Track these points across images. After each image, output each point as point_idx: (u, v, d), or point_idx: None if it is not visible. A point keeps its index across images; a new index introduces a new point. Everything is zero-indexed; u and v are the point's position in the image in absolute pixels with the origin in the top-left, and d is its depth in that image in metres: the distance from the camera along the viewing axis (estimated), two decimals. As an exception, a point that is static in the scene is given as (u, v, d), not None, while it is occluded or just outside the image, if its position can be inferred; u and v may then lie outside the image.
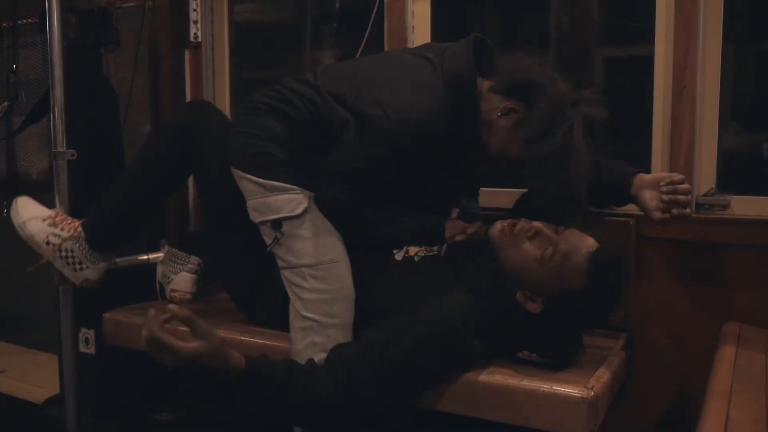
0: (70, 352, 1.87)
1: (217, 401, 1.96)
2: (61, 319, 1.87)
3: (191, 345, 1.16)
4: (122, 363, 2.05)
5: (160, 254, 2.01)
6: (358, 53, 2.06)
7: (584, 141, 1.42)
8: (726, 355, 1.37)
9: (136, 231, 1.83)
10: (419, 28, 2.06)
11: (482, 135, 1.48)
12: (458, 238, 1.55)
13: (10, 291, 2.80)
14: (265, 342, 1.60)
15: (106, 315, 1.88)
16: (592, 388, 1.27)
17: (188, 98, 2.44)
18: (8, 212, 1.80)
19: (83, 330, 2.05)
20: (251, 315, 1.72)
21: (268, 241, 1.51)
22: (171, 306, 1.16)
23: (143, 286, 1.98)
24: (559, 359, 1.39)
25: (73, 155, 1.82)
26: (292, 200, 1.48)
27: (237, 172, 1.53)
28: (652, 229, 1.69)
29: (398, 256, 1.57)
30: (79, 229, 1.76)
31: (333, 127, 1.50)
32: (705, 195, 1.71)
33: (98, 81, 2.18)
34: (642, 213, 1.56)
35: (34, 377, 2.42)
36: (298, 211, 1.47)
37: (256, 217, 1.52)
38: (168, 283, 1.93)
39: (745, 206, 1.68)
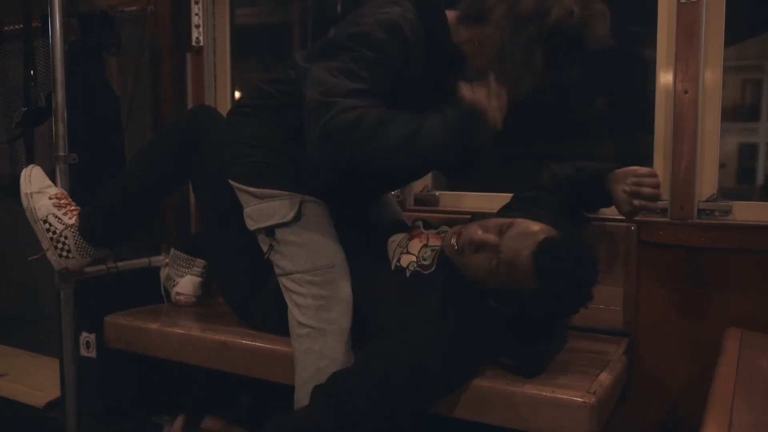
0: (71, 356, 1.87)
1: (216, 405, 1.96)
2: (62, 322, 1.87)
3: None
4: (123, 367, 2.05)
5: (161, 257, 2.01)
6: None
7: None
8: (728, 360, 1.37)
9: (130, 231, 1.83)
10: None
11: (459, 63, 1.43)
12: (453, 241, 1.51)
13: (11, 294, 2.81)
14: (265, 345, 1.60)
15: (107, 319, 1.88)
16: (593, 393, 1.27)
17: (189, 101, 2.45)
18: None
19: (84, 333, 2.05)
20: (248, 318, 1.72)
21: (264, 248, 1.52)
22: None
23: (144, 290, 1.99)
24: (533, 364, 1.38)
25: (74, 159, 1.82)
26: (283, 206, 1.48)
27: (232, 183, 1.54)
28: (654, 235, 1.70)
29: (392, 265, 1.56)
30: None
31: None
32: (707, 200, 1.71)
33: (100, 84, 2.19)
34: (643, 217, 1.56)
35: (35, 380, 2.42)
36: (289, 217, 1.47)
37: (251, 225, 1.52)
38: (173, 286, 1.93)
39: (746, 212, 1.68)
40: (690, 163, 1.70)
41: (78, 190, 1.88)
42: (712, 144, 1.71)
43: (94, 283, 1.97)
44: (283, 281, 1.50)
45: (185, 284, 1.93)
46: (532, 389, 1.30)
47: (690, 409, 1.66)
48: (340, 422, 1.26)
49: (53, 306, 1.96)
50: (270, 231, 1.49)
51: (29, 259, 1.81)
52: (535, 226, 1.30)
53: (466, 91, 1.30)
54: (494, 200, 1.88)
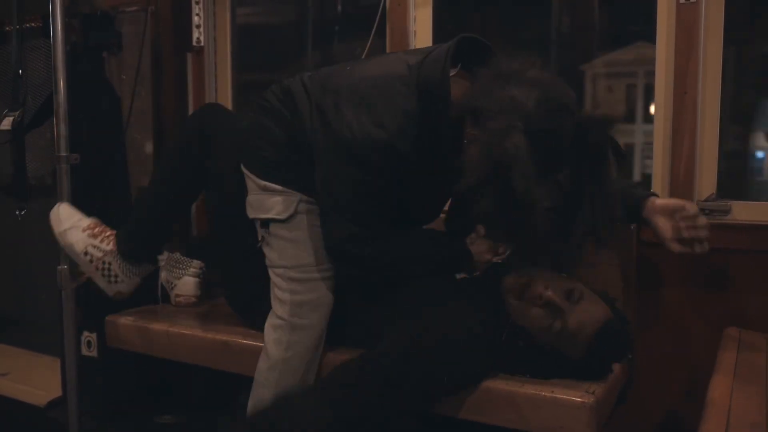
0: (73, 355, 1.88)
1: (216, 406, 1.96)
2: (63, 322, 1.87)
3: None
4: (124, 366, 2.06)
5: (164, 256, 2.01)
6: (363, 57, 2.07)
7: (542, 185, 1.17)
8: (727, 359, 1.38)
9: (164, 239, 1.87)
10: (421, 33, 2.06)
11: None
12: (488, 257, 1.53)
13: (12, 294, 2.81)
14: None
15: (109, 318, 1.89)
16: (593, 393, 1.28)
17: (190, 102, 2.46)
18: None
19: (85, 333, 2.06)
20: (251, 320, 1.72)
21: (258, 237, 1.56)
22: None
23: (146, 290, 1.98)
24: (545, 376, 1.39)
25: (76, 159, 1.83)
26: (283, 202, 1.50)
27: (243, 168, 1.57)
28: (654, 234, 1.70)
29: None
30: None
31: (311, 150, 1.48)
32: (706, 200, 1.71)
33: (101, 85, 2.19)
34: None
35: (37, 380, 2.42)
36: (285, 215, 1.50)
37: (250, 212, 1.56)
38: (172, 288, 1.94)
39: (746, 211, 1.69)
40: (689, 162, 1.71)
41: (80, 190, 1.88)
42: (711, 144, 1.72)
43: (95, 283, 1.98)
44: (270, 273, 1.55)
45: (184, 285, 1.94)
46: (532, 389, 1.30)
47: (689, 409, 1.66)
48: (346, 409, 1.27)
49: (54, 305, 1.96)
50: (265, 223, 1.53)
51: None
52: (600, 305, 1.38)
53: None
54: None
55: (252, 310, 1.71)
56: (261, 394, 1.51)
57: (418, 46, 2.04)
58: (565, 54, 2.46)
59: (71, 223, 1.78)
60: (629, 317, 1.67)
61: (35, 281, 2.66)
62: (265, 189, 1.52)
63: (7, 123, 2.09)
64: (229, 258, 1.72)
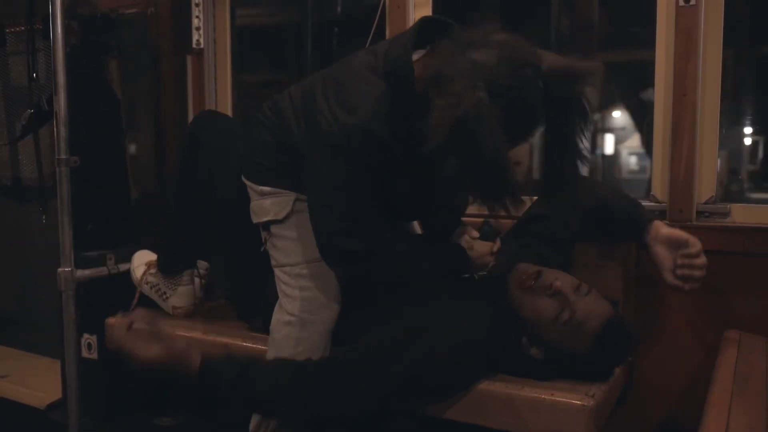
0: (73, 358, 1.87)
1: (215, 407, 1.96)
2: (63, 324, 1.87)
3: (149, 353, 1.25)
4: (124, 368, 2.05)
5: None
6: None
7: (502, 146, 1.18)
8: (726, 362, 1.38)
9: (191, 246, 1.88)
10: (421, 35, 2.06)
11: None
12: (489, 259, 1.54)
13: (13, 296, 2.81)
14: (267, 348, 1.60)
15: (109, 321, 1.89)
16: (592, 396, 1.28)
17: (190, 104, 2.46)
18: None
19: (86, 335, 2.06)
20: (250, 320, 1.75)
21: (263, 240, 1.59)
22: (135, 313, 1.21)
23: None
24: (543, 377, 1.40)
25: (76, 162, 1.82)
26: (279, 203, 1.55)
27: (243, 180, 1.61)
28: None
29: None
30: None
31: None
32: (705, 203, 1.72)
33: (101, 87, 2.19)
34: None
35: (37, 382, 2.42)
36: (282, 215, 1.54)
37: (254, 218, 1.60)
38: (166, 298, 1.91)
39: (745, 214, 1.69)
40: (689, 165, 1.71)
41: (79, 193, 1.88)
42: (711, 147, 1.72)
43: (96, 285, 1.98)
44: (277, 273, 1.57)
45: (180, 297, 1.90)
46: (531, 392, 1.31)
47: (688, 412, 1.66)
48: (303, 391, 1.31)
49: (55, 308, 1.97)
50: (266, 226, 1.57)
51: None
52: (606, 302, 1.40)
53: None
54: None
55: (251, 310, 1.73)
56: None
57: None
58: (565, 53, 2.46)
59: (139, 263, 1.94)
60: (629, 318, 1.67)
61: (35, 283, 2.66)
62: (262, 194, 1.57)
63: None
64: (228, 259, 1.75)
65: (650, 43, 1.78)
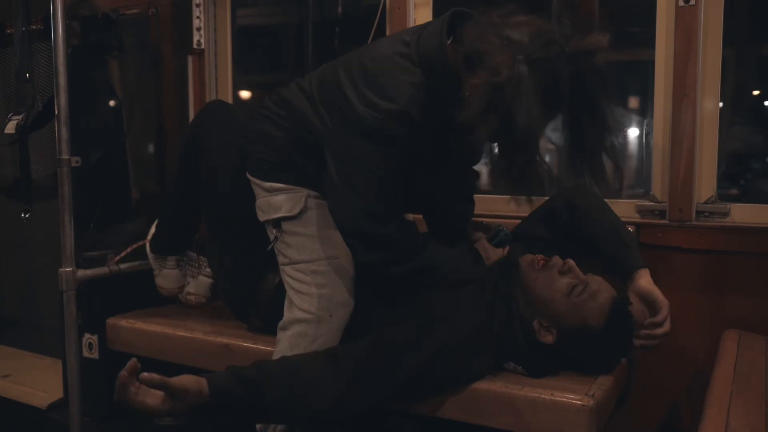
0: (74, 357, 1.88)
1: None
2: (65, 324, 1.87)
3: (162, 408, 1.31)
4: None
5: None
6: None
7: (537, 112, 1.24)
8: (726, 362, 1.38)
9: (183, 236, 1.91)
10: (421, 35, 2.06)
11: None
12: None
13: (14, 296, 2.81)
14: (267, 348, 1.59)
15: (110, 320, 1.89)
16: (593, 396, 1.28)
17: (191, 104, 2.46)
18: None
19: (87, 335, 2.06)
20: (246, 320, 1.75)
21: (270, 238, 1.56)
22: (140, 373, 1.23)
23: (147, 292, 1.99)
24: (542, 372, 1.40)
25: (77, 162, 1.83)
26: (291, 200, 1.53)
27: (248, 176, 1.59)
28: (653, 237, 1.71)
29: None
30: None
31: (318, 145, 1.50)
32: (705, 203, 1.72)
33: (101, 87, 2.19)
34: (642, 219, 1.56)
35: (38, 382, 2.42)
36: (295, 211, 1.53)
37: (261, 216, 1.57)
38: (155, 275, 1.93)
39: (745, 214, 1.69)
40: (688, 165, 1.71)
41: (80, 192, 1.88)
42: (711, 147, 1.72)
43: (97, 285, 1.98)
44: (287, 270, 1.55)
45: (197, 285, 1.95)
46: (532, 392, 1.31)
47: (688, 411, 1.67)
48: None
49: (56, 308, 1.97)
50: (277, 223, 1.54)
51: None
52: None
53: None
54: (498, 202, 1.90)
55: (245, 313, 1.73)
56: None
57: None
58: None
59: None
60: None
61: (37, 283, 2.67)
62: (270, 190, 1.54)
63: (11, 126, 2.10)
64: (221, 261, 1.73)
65: (650, 42, 1.78)
